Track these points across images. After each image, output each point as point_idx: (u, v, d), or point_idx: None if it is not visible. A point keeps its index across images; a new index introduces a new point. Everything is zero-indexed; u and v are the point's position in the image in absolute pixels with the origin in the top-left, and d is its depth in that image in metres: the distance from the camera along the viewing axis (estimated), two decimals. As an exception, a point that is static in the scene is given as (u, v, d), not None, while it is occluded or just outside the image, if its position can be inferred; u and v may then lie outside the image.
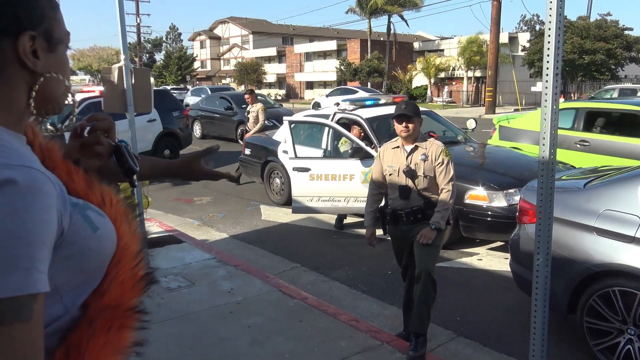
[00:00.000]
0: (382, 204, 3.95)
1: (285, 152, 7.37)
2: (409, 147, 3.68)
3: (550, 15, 2.64)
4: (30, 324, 0.74)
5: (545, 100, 2.71)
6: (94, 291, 0.91)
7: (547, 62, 2.68)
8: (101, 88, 7.99)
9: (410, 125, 3.60)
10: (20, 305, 0.73)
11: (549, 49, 2.67)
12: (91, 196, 0.95)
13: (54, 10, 0.93)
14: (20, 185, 0.75)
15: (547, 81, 2.69)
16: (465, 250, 5.97)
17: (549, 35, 2.65)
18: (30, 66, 0.87)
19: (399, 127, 3.64)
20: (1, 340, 0.72)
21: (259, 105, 10.18)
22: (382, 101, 7.65)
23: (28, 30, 0.86)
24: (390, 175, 3.74)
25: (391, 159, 3.74)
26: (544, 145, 2.77)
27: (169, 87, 29.80)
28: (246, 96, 10.29)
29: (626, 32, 32.15)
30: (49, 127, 0.99)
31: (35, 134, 0.96)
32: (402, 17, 43.42)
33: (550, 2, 2.62)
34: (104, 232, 0.91)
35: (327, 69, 48.30)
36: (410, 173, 3.62)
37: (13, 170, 0.76)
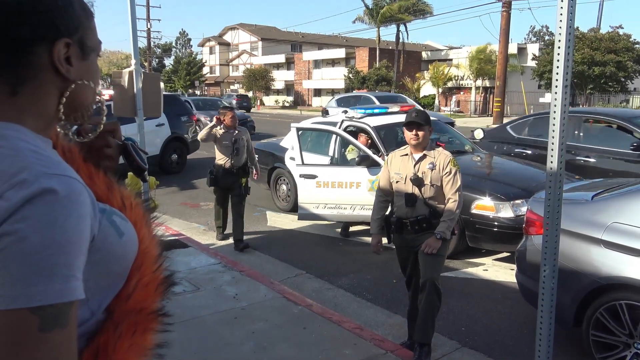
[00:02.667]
0: (388, 212, 3.94)
1: (292, 158, 7.38)
2: (417, 155, 3.69)
3: (560, 27, 2.64)
4: (67, 330, 0.76)
5: (555, 112, 2.71)
6: (118, 295, 0.92)
7: (557, 73, 2.68)
8: (110, 92, 8.05)
9: (420, 133, 3.61)
10: (59, 312, 0.75)
11: (558, 60, 2.67)
12: (112, 199, 0.96)
13: (88, 20, 0.95)
14: (60, 194, 0.76)
15: (556, 92, 2.69)
16: (471, 260, 5.95)
17: (559, 47, 2.65)
18: (63, 72, 0.89)
19: (408, 135, 3.64)
20: (41, 346, 0.73)
21: (246, 131, 6.88)
22: (392, 110, 7.66)
23: (64, 37, 0.88)
24: (397, 182, 3.74)
25: (399, 166, 3.75)
26: (552, 156, 2.76)
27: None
28: (229, 116, 6.43)
29: (637, 45, 32.05)
30: (70, 135, 1.00)
31: (57, 136, 0.98)
32: (405, 27, 43.51)
33: (561, 14, 2.63)
34: (129, 237, 0.92)
35: (335, 77, 48.41)
36: (418, 181, 3.62)
37: (52, 179, 0.77)
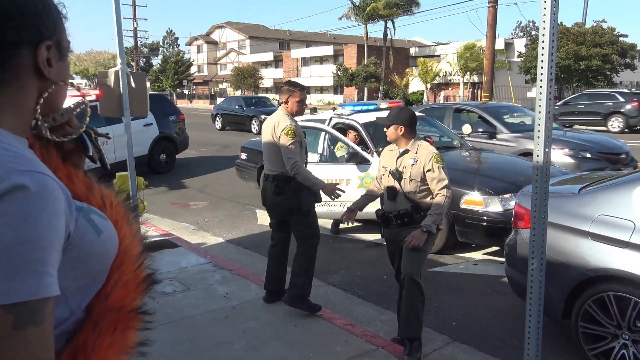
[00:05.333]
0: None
1: (281, 156, 7.35)
2: (401, 150, 3.75)
3: (544, 22, 2.66)
4: (43, 327, 0.76)
5: (540, 106, 2.73)
6: (98, 294, 0.92)
7: (542, 67, 2.70)
8: (97, 92, 7.98)
9: (386, 131, 3.76)
10: (34, 309, 0.74)
11: (543, 54, 2.68)
12: (91, 199, 0.96)
13: (62, 21, 0.96)
14: (32, 190, 0.76)
15: (541, 87, 2.71)
16: (460, 255, 5.98)
17: (543, 41, 2.67)
18: (46, 74, 0.90)
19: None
20: (16, 344, 0.73)
21: None
22: (381, 106, 7.67)
23: (46, 40, 0.89)
24: (382, 176, 3.83)
25: (386, 160, 3.84)
26: (538, 150, 2.78)
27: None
28: (295, 98, 4.33)
29: (621, 38, 32.33)
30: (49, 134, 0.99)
31: (35, 137, 0.97)
32: (393, 23, 43.61)
33: (544, 8, 2.64)
34: (108, 235, 0.92)
35: (324, 74, 48.39)
36: (396, 174, 3.68)
37: (24, 175, 0.77)
